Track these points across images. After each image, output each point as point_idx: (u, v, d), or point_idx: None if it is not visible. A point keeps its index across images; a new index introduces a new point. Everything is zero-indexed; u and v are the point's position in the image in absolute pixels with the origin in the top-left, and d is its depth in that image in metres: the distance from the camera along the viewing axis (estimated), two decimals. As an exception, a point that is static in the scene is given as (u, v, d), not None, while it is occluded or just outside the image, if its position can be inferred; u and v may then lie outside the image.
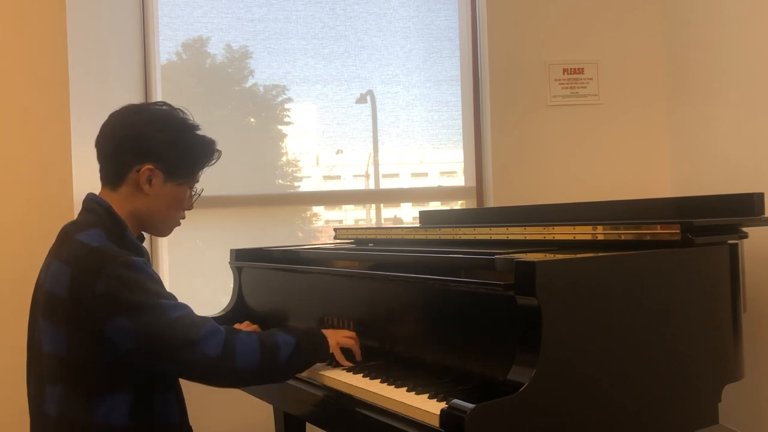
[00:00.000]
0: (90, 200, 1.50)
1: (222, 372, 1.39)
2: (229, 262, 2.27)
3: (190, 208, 1.60)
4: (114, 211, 1.47)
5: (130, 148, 1.48)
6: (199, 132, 1.57)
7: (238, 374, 1.40)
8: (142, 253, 1.49)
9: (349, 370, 1.55)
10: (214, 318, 2.15)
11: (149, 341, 1.33)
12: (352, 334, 1.65)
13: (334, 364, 1.60)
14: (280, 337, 1.48)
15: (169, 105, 1.56)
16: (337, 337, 1.61)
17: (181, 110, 1.56)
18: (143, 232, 1.59)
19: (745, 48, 2.35)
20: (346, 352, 1.62)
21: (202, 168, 1.59)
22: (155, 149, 1.48)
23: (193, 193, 1.60)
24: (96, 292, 1.31)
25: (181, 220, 1.61)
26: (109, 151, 1.50)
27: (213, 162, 1.60)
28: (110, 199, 1.49)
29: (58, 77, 2.46)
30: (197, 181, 1.60)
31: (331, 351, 1.58)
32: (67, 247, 1.40)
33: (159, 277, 1.42)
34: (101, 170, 1.53)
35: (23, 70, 2.46)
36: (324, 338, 1.57)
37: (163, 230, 1.59)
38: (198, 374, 1.39)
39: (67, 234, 1.44)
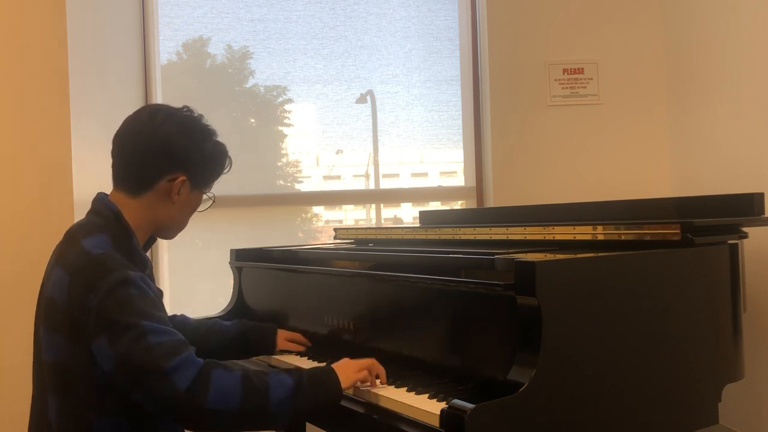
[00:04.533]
0: (99, 202, 1.46)
1: (189, 409, 1.25)
2: (229, 262, 2.27)
3: (199, 211, 1.61)
4: (123, 218, 1.42)
5: (162, 158, 1.45)
6: (218, 138, 1.56)
7: (210, 414, 1.26)
8: (146, 265, 1.45)
9: (390, 383, 1.43)
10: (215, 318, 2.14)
11: (124, 364, 1.26)
12: (370, 364, 1.45)
13: None
14: (273, 377, 1.33)
15: (190, 110, 1.54)
16: (353, 377, 1.41)
17: (201, 115, 1.55)
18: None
19: (745, 48, 2.35)
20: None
21: (219, 176, 1.59)
22: (187, 160, 1.47)
23: (208, 198, 1.60)
24: (87, 306, 1.28)
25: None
26: (137, 158, 1.45)
27: (228, 170, 1.61)
28: (127, 203, 1.45)
29: (58, 77, 2.46)
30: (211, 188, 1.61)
31: (345, 388, 1.40)
32: (70, 252, 1.37)
33: (156, 294, 1.37)
34: (120, 174, 1.48)
35: (23, 70, 2.46)
36: (335, 377, 1.38)
37: (174, 235, 1.59)
38: (164, 408, 1.27)
39: (72, 237, 1.40)
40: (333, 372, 1.40)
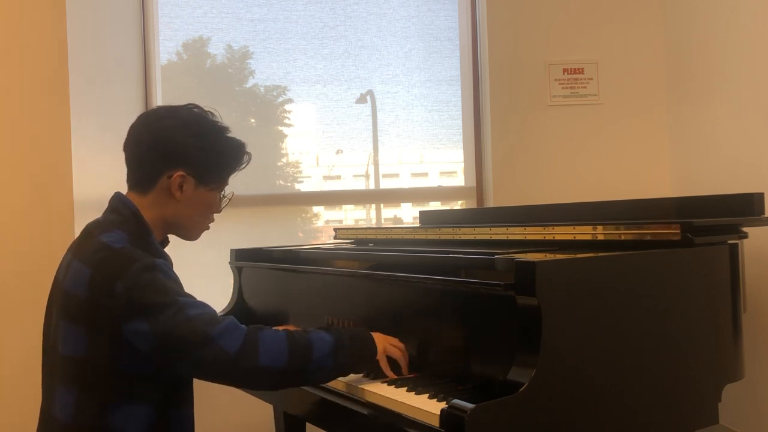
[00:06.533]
0: (117, 200, 1.47)
1: (243, 370, 1.31)
2: (229, 262, 2.27)
3: (219, 211, 1.59)
4: (140, 215, 1.44)
5: (161, 154, 1.45)
6: (229, 135, 1.55)
7: (262, 373, 1.32)
8: (165, 258, 1.47)
9: (390, 383, 1.42)
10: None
11: (166, 339, 1.29)
12: (401, 344, 1.51)
13: (373, 375, 1.49)
14: (314, 334, 1.39)
15: (200, 107, 1.53)
16: (386, 344, 1.48)
17: (212, 112, 1.54)
18: (168, 235, 1.57)
19: (745, 47, 2.35)
20: (392, 362, 1.49)
21: (233, 172, 1.57)
22: (187, 155, 1.46)
23: (223, 196, 1.58)
24: (115, 293, 1.29)
25: (210, 224, 1.60)
26: (140, 156, 1.47)
27: (244, 166, 1.58)
28: (138, 203, 1.46)
29: (58, 77, 2.46)
30: (227, 185, 1.58)
31: (377, 357, 1.46)
32: (89, 247, 1.38)
33: (178, 279, 1.40)
34: (129, 174, 1.50)
35: (24, 70, 2.46)
36: (372, 340, 1.45)
37: (193, 235, 1.57)
38: (218, 373, 1.32)
39: (90, 234, 1.42)
40: (370, 334, 1.47)
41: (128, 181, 1.51)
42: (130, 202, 1.46)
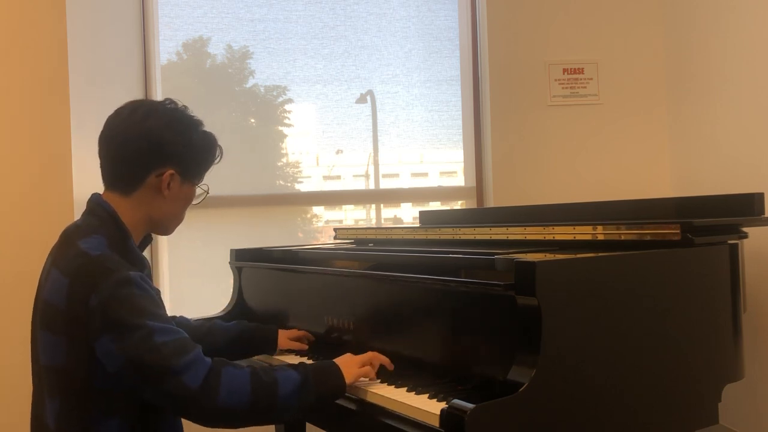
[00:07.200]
0: (94, 202, 1.44)
1: (202, 407, 1.27)
2: (229, 262, 2.27)
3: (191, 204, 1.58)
4: (119, 218, 1.41)
5: (150, 154, 1.43)
6: (204, 128, 1.54)
7: (222, 412, 1.28)
8: (144, 265, 1.44)
9: (390, 383, 1.44)
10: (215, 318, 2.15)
11: (129, 364, 1.26)
12: (371, 357, 1.49)
13: None
14: (280, 372, 1.36)
15: (174, 102, 1.52)
16: (354, 370, 1.45)
17: (185, 106, 1.53)
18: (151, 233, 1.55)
19: (745, 48, 2.35)
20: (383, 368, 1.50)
21: (211, 166, 1.57)
22: (174, 153, 1.45)
23: (201, 190, 1.58)
24: (89, 307, 1.27)
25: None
26: (123, 157, 1.44)
27: (218, 160, 1.58)
28: (119, 203, 1.43)
29: (58, 77, 2.46)
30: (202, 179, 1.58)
31: (350, 382, 1.43)
32: (67, 254, 1.35)
33: (156, 294, 1.37)
34: (109, 174, 1.46)
35: (23, 70, 2.46)
36: (339, 373, 1.42)
37: (171, 230, 1.56)
38: (177, 406, 1.29)
39: (68, 238, 1.39)
40: (336, 366, 1.43)
41: (106, 180, 1.47)
42: (107, 204, 1.43)
